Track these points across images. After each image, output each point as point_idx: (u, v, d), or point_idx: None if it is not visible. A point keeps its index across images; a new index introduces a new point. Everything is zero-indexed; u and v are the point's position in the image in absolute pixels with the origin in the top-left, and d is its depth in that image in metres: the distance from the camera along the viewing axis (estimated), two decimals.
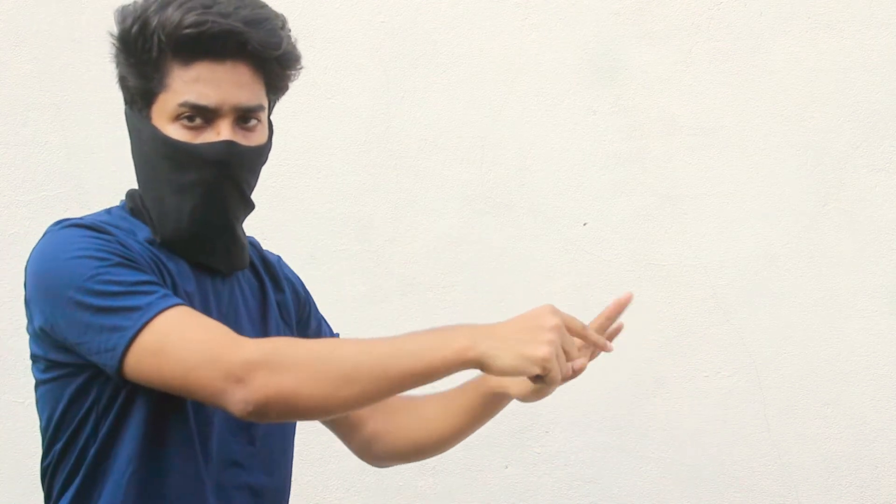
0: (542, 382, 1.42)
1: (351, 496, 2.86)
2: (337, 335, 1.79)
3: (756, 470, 2.88)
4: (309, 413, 1.44)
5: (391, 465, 1.82)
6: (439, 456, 2.85)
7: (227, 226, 1.55)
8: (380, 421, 1.73)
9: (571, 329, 1.43)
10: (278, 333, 1.64)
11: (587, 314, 2.90)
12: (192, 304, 1.51)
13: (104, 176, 2.79)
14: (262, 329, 1.63)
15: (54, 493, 1.56)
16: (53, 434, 1.55)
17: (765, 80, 2.88)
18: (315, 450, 2.83)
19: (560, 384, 1.43)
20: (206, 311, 1.54)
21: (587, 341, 1.49)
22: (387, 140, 2.85)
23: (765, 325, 2.87)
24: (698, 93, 2.87)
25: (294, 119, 2.82)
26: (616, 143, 2.87)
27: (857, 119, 2.87)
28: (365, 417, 1.74)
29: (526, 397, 1.62)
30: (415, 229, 2.85)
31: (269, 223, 2.66)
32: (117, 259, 1.46)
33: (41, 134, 2.81)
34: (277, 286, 1.70)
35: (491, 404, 1.68)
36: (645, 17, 2.87)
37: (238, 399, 1.39)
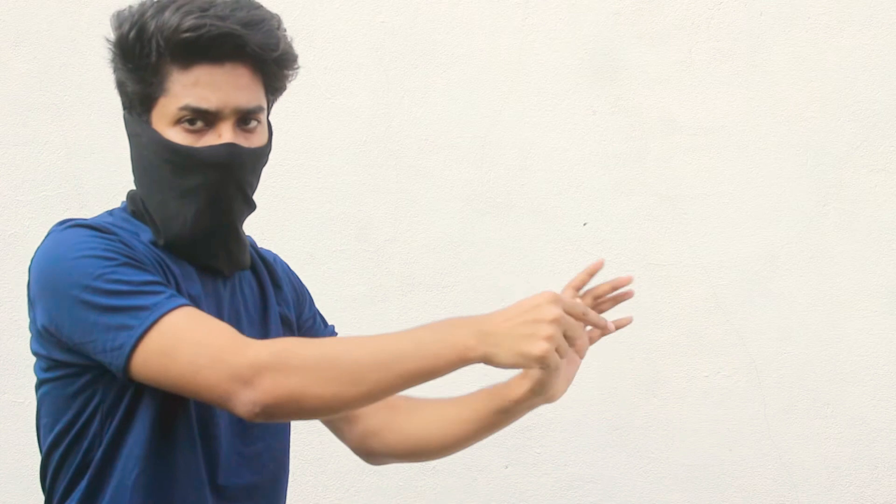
0: (545, 371, 1.44)
1: (351, 496, 2.86)
2: (332, 327, 1.79)
3: (756, 470, 2.88)
4: (316, 413, 1.44)
5: (386, 464, 1.82)
6: None
7: (230, 227, 1.56)
8: (379, 417, 1.72)
9: (573, 314, 1.43)
10: (278, 334, 1.64)
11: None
12: (198, 307, 1.51)
13: (104, 176, 2.79)
14: (262, 329, 1.63)
15: (57, 495, 1.55)
16: (57, 435, 1.54)
17: (765, 80, 2.88)
18: (314, 450, 2.83)
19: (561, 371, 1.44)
20: (211, 313, 1.53)
21: (588, 323, 1.49)
22: (387, 140, 2.85)
23: (765, 325, 2.87)
24: (698, 93, 2.87)
25: (294, 119, 2.82)
26: (616, 143, 2.87)
27: (857, 119, 2.87)
28: (363, 413, 1.73)
29: (532, 403, 1.60)
30: (415, 229, 2.85)
31: (268, 223, 2.66)
32: (123, 259, 1.46)
33: (41, 134, 2.81)
34: (277, 285, 1.70)
35: (500, 420, 1.66)
36: (645, 17, 2.87)
37: (245, 401, 1.40)
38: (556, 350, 1.38)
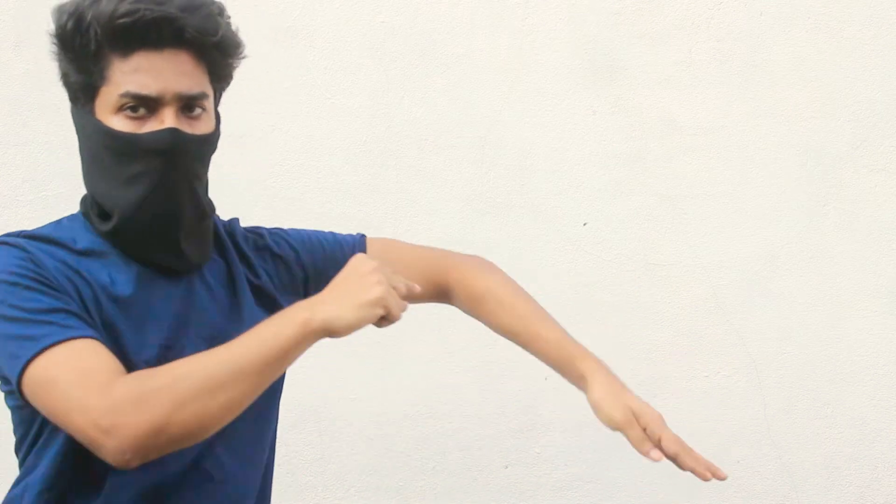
0: (386, 323, 1.51)
1: (351, 496, 2.86)
2: (354, 239, 1.82)
3: (756, 470, 2.88)
4: (189, 438, 1.41)
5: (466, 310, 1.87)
6: (439, 456, 2.86)
7: (177, 216, 1.53)
8: (463, 305, 1.82)
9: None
10: (253, 320, 1.58)
11: (587, 314, 2.91)
12: (128, 311, 1.50)
13: None
14: (236, 318, 1.61)
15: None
16: (20, 445, 1.57)
17: (765, 80, 2.88)
18: (315, 450, 2.82)
19: (399, 315, 1.50)
20: (148, 314, 1.52)
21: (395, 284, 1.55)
22: (387, 140, 2.85)
23: (765, 325, 2.87)
24: (698, 93, 2.87)
25: (294, 119, 2.82)
26: (616, 143, 2.87)
27: (857, 119, 2.87)
28: (449, 295, 1.83)
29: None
30: (415, 229, 2.85)
31: (268, 223, 2.66)
32: (27, 282, 1.45)
33: (41, 134, 2.81)
34: (250, 267, 1.67)
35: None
36: (645, 17, 2.87)
37: (110, 450, 1.38)
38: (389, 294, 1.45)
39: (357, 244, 1.79)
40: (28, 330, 1.42)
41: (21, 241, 1.51)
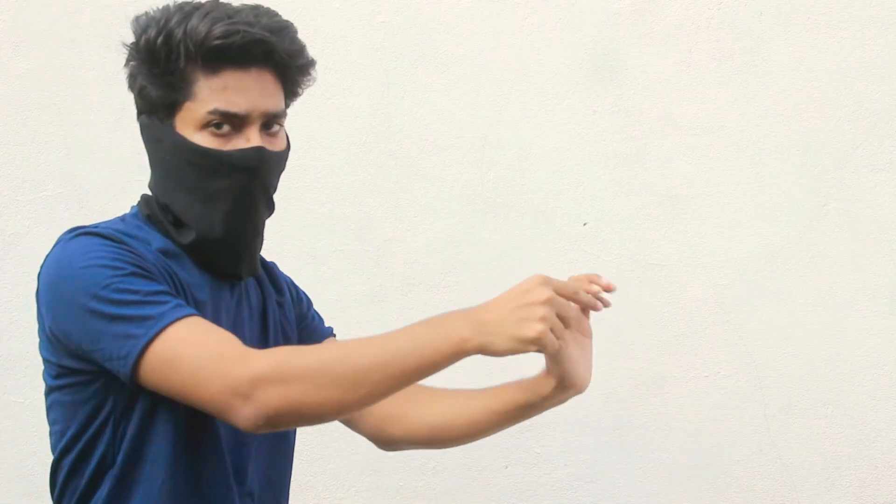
0: (546, 353, 1.47)
1: (351, 496, 2.86)
2: (330, 329, 1.80)
3: (756, 470, 2.88)
4: (318, 419, 1.45)
5: (402, 449, 1.81)
6: (439, 456, 2.86)
7: (255, 231, 1.59)
8: (397, 403, 1.71)
9: (564, 294, 1.45)
10: (276, 341, 1.65)
11: (587, 314, 2.90)
12: (204, 314, 1.52)
13: (104, 176, 2.79)
14: (262, 336, 1.64)
15: (71, 499, 1.56)
16: (69, 440, 1.55)
17: (765, 80, 2.88)
18: (315, 450, 2.83)
19: (562, 349, 1.43)
20: (218, 319, 1.55)
21: (579, 303, 1.51)
22: (387, 140, 2.85)
23: (765, 325, 2.87)
24: (698, 93, 2.87)
25: (294, 119, 2.81)
26: (616, 143, 2.87)
27: (857, 119, 2.87)
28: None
29: (561, 397, 1.61)
30: (415, 229, 2.85)
31: (269, 223, 2.65)
32: (131, 269, 1.47)
33: (41, 134, 2.81)
34: (278, 290, 1.71)
35: (526, 414, 1.67)
36: (645, 17, 2.87)
37: (246, 415, 1.41)
38: (552, 331, 1.39)
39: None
40: (143, 310, 1.44)
41: (110, 230, 1.52)
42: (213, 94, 1.52)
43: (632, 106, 2.87)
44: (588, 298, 1.51)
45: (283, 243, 2.47)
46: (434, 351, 1.41)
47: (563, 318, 1.42)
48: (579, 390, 1.60)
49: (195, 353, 1.43)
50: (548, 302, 1.41)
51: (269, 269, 1.73)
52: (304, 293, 1.79)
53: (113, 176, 2.77)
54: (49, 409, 1.58)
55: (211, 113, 1.52)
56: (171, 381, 1.44)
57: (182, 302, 1.48)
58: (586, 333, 1.58)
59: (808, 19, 2.88)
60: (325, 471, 2.85)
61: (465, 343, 1.40)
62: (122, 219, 1.60)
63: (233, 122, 1.53)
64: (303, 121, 2.83)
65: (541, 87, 2.87)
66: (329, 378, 1.40)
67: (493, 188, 2.86)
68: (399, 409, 1.72)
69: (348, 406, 1.43)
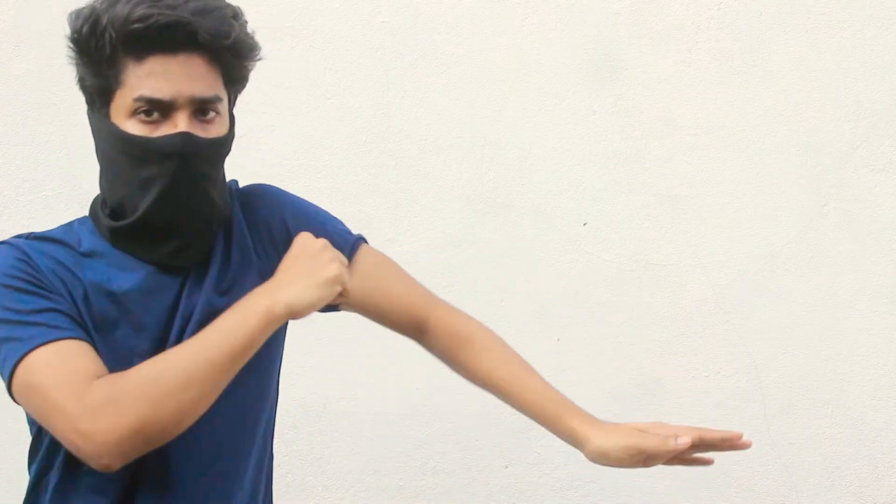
0: (342, 299, 1.54)
1: (351, 496, 2.86)
2: (352, 239, 1.74)
3: (756, 470, 2.88)
4: (165, 435, 1.43)
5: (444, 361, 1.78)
6: (439, 456, 2.86)
7: (189, 218, 1.54)
8: (442, 346, 1.72)
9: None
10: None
11: (587, 314, 2.91)
12: (124, 305, 1.52)
13: None
14: (229, 295, 1.60)
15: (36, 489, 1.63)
16: (35, 439, 1.61)
17: (765, 80, 2.88)
18: (315, 450, 2.83)
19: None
20: (146, 308, 1.54)
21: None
22: (387, 140, 2.85)
23: (765, 325, 2.87)
24: (698, 93, 2.87)
25: (294, 119, 2.82)
26: (616, 143, 2.87)
27: (857, 119, 2.87)
28: (428, 343, 1.73)
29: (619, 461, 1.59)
30: (415, 229, 2.85)
31: None
32: (18, 283, 1.48)
33: (41, 134, 2.81)
34: (257, 236, 1.66)
35: (537, 421, 1.69)
36: (645, 17, 2.87)
37: (91, 455, 1.41)
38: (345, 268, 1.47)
39: (354, 244, 1.75)
40: (17, 332, 1.45)
41: (21, 242, 1.54)
42: (139, 80, 1.49)
43: (632, 106, 2.87)
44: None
45: None
46: (244, 331, 1.45)
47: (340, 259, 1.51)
48: (604, 463, 1.59)
49: (47, 386, 1.42)
50: (326, 246, 1.52)
51: (251, 210, 1.67)
52: (308, 211, 1.73)
53: None
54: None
55: (137, 100, 1.50)
56: (33, 409, 1.46)
57: (63, 322, 1.47)
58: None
59: (808, 19, 2.88)
60: (325, 471, 2.85)
61: (271, 310, 1.46)
62: (72, 223, 1.61)
63: (160, 108, 1.50)
64: (303, 121, 2.83)
65: (541, 87, 2.87)
66: (157, 391, 1.41)
67: (493, 188, 2.86)
68: (445, 353, 1.72)
69: (187, 412, 1.42)
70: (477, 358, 1.70)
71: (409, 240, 2.85)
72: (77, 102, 2.92)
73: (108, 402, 1.40)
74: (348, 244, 1.71)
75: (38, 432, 1.59)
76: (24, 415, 1.60)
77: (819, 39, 2.88)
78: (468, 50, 2.86)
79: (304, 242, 1.54)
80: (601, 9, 2.87)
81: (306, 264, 1.50)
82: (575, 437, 1.61)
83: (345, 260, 1.54)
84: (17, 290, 1.47)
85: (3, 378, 1.46)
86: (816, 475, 2.88)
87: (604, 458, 1.57)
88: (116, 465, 1.41)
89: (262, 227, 1.66)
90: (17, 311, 1.46)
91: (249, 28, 1.56)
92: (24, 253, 1.52)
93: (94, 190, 2.85)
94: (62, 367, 1.43)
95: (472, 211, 2.86)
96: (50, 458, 1.59)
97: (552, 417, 1.64)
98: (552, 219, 2.86)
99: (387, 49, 2.85)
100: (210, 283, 1.58)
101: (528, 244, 2.86)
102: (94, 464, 1.41)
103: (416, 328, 1.73)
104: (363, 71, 2.85)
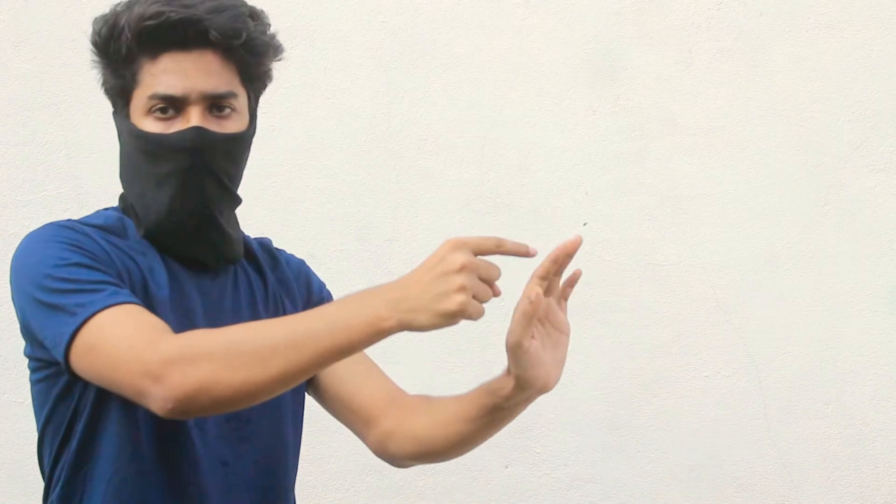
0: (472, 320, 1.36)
1: (351, 496, 2.86)
2: None
3: (756, 470, 2.88)
4: (230, 403, 1.39)
5: (407, 466, 1.73)
6: None
7: (206, 214, 1.55)
8: (394, 419, 1.66)
9: (483, 251, 1.36)
10: None
11: (587, 314, 2.91)
12: (166, 303, 1.52)
13: (104, 176, 2.79)
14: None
15: (50, 497, 1.57)
16: (46, 437, 1.57)
17: (765, 80, 2.88)
18: (315, 450, 2.82)
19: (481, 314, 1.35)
20: (185, 308, 1.54)
21: (506, 253, 1.41)
22: (387, 140, 2.85)
23: (765, 325, 2.87)
24: (698, 93, 2.87)
25: (294, 119, 2.82)
26: (616, 143, 2.87)
27: (857, 119, 2.87)
28: (379, 415, 1.67)
29: (525, 396, 1.50)
30: (415, 229, 2.85)
31: (269, 223, 2.66)
32: (76, 258, 1.48)
33: (41, 134, 2.81)
34: (284, 285, 1.69)
35: (499, 418, 1.56)
36: (645, 17, 2.87)
37: (157, 398, 1.38)
38: (476, 297, 1.32)
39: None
40: (76, 298, 1.45)
41: (73, 223, 1.55)
42: (154, 78, 1.51)
43: (632, 106, 2.87)
44: (515, 246, 1.40)
45: (283, 243, 2.45)
46: (349, 331, 1.35)
47: (484, 280, 1.35)
48: (542, 390, 1.47)
49: (114, 339, 1.42)
50: (464, 268, 1.33)
51: (275, 256, 1.72)
52: (317, 278, 1.77)
53: (113, 176, 2.74)
54: (33, 403, 1.60)
55: (151, 98, 1.52)
56: (94, 366, 1.44)
57: (119, 289, 1.47)
58: (563, 329, 1.50)
59: (808, 19, 2.88)
60: (325, 471, 2.85)
61: (381, 322, 1.34)
62: (104, 213, 1.63)
63: (174, 105, 1.52)
64: (303, 121, 2.83)
65: (541, 87, 2.86)
66: (238, 357, 1.36)
67: (493, 188, 2.86)
68: (394, 426, 1.65)
69: (261, 387, 1.37)
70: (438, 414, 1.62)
71: (409, 240, 2.85)
72: (77, 102, 2.93)
73: (186, 353, 1.37)
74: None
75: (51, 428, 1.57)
76: (20, 416, 1.60)
77: (819, 39, 2.88)
78: (468, 50, 2.86)
79: (444, 254, 1.36)
80: (601, 9, 2.87)
81: (435, 284, 1.33)
82: (498, 380, 1.51)
83: (481, 286, 1.35)
84: (75, 264, 1.47)
85: (62, 344, 1.44)
86: (816, 475, 2.88)
87: (518, 348, 1.46)
88: (177, 414, 1.39)
89: (285, 270, 1.70)
90: (76, 281, 1.46)
91: (273, 28, 1.59)
92: (79, 232, 1.52)
93: (95, 190, 2.86)
94: (130, 322, 1.43)
95: (472, 211, 2.86)
96: (84, 453, 1.56)
97: (484, 393, 1.54)
98: (552, 219, 2.86)
99: (387, 49, 2.85)
100: (241, 310, 1.59)
101: (528, 244, 2.85)
102: (158, 407, 1.38)
103: (363, 420, 1.69)
104: (363, 71, 2.85)
